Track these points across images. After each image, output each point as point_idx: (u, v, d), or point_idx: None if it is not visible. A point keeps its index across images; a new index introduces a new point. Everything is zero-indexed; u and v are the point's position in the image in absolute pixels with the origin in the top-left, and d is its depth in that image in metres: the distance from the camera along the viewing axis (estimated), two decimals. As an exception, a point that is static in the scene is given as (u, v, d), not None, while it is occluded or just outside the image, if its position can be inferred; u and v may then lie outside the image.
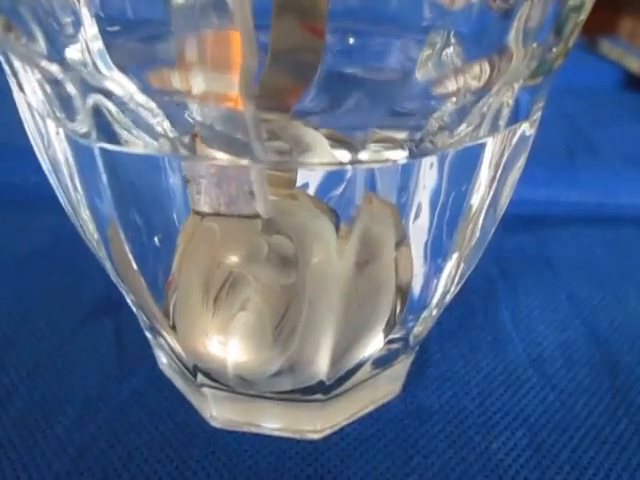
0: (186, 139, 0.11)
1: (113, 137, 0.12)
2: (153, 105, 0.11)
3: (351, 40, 0.17)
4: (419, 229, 0.15)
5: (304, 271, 0.14)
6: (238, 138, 0.11)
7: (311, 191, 0.14)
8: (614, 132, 0.38)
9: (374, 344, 0.16)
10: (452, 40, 0.14)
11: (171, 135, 0.11)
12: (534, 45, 0.11)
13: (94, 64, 0.12)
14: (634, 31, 0.63)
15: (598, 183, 0.32)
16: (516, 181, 0.15)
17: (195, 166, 0.12)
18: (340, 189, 0.14)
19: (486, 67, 0.11)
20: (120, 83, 0.11)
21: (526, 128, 0.13)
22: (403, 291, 0.16)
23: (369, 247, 0.14)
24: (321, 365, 0.15)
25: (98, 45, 0.12)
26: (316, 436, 0.17)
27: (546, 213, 0.30)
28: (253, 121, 0.10)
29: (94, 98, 0.11)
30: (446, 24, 0.14)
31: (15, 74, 0.13)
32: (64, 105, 0.12)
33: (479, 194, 0.15)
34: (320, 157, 0.12)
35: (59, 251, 0.26)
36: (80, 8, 0.11)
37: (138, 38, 0.14)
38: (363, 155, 0.11)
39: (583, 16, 0.12)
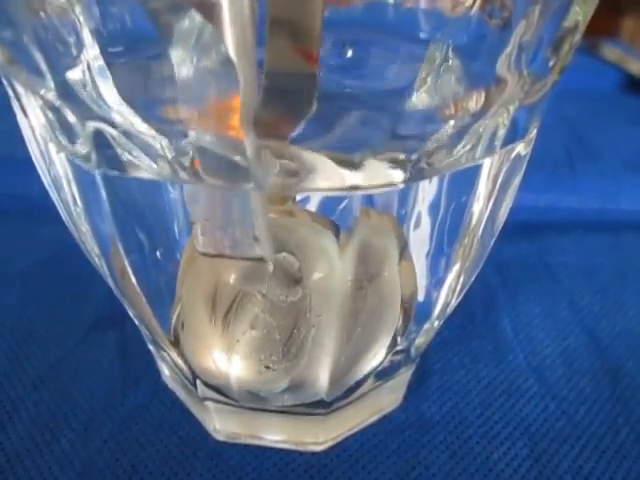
0: (185, 161, 0.11)
1: (113, 159, 0.12)
2: (153, 132, 0.11)
3: (349, 53, 0.17)
4: (420, 240, 0.15)
5: (310, 287, 0.14)
6: (239, 164, 0.11)
7: (313, 203, 0.15)
8: (615, 136, 0.38)
9: (377, 359, 0.16)
10: (451, 55, 0.14)
11: (169, 156, 0.12)
12: (527, 71, 0.11)
13: (94, 83, 0.12)
14: (636, 32, 0.63)
15: (599, 189, 0.31)
16: (513, 197, 0.16)
17: (200, 209, 0.12)
18: (342, 204, 0.14)
19: (482, 95, 0.11)
20: (119, 112, 0.11)
21: (521, 149, 0.14)
22: (407, 304, 0.16)
23: (371, 261, 0.15)
24: (323, 382, 0.15)
25: (99, 63, 0.12)
26: (318, 448, 0.18)
27: (546, 219, 0.30)
28: (255, 151, 0.10)
29: (94, 124, 0.11)
30: (445, 37, 0.14)
31: (18, 98, 0.13)
32: (65, 130, 0.12)
33: (478, 206, 0.15)
34: (327, 179, 0.12)
35: (62, 262, 0.26)
36: (82, 28, 0.12)
37: (140, 57, 0.14)
38: (361, 177, 0.12)
39: (578, 36, 0.12)
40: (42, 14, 0.11)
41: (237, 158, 0.10)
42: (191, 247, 0.15)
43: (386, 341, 0.16)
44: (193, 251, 0.15)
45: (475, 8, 0.13)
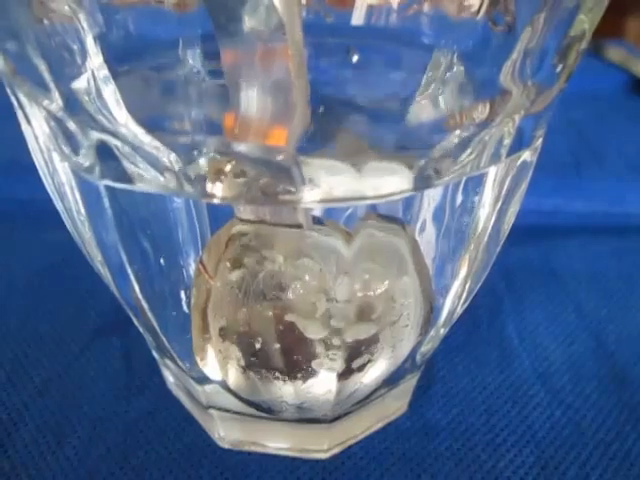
0: (191, 173, 0.11)
1: (117, 171, 0.12)
2: (158, 143, 0.11)
3: (354, 59, 0.17)
4: (425, 247, 0.15)
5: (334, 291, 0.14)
6: (278, 163, 0.11)
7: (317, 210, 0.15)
8: (620, 139, 0.37)
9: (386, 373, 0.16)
10: (455, 61, 0.14)
11: (176, 167, 0.12)
12: (532, 81, 0.11)
13: (98, 92, 0.12)
14: (641, 33, 0.62)
15: (604, 192, 0.31)
16: (519, 204, 0.15)
17: None
18: (347, 211, 0.14)
19: (487, 105, 0.11)
20: (124, 123, 0.11)
21: (527, 156, 0.13)
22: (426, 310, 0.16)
23: (380, 257, 0.14)
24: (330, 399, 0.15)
25: (103, 72, 0.12)
26: (323, 456, 0.18)
27: (552, 223, 0.30)
28: (293, 162, 0.11)
29: (98, 135, 0.11)
30: (450, 43, 0.14)
31: (22, 107, 0.13)
32: (68, 140, 0.12)
33: (484, 212, 0.15)
34: (332, 189, 0.12)
35: (67, 267, 0.26)
36: (86, 35, 0.12)
37: (145, 65, 0.14)
38: (367, 186, 0.12)
39: (585, 45, 0.12)
40: (46, 22, 0.11)
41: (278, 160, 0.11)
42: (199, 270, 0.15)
43: (405, 352, 0.16)
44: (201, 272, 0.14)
45: (481, 13, 0.13)
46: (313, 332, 0.14)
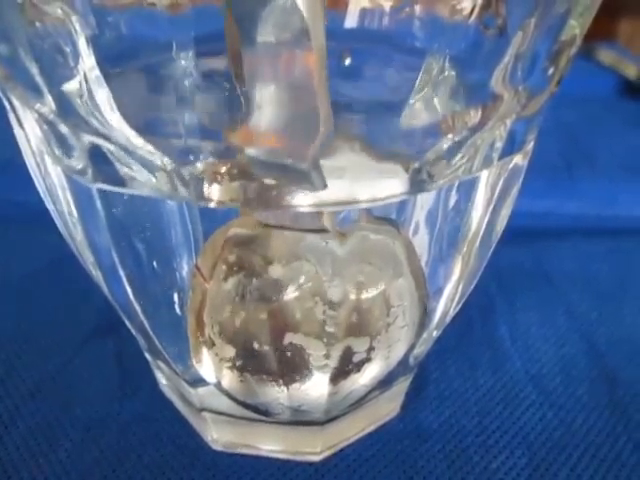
0: (185, 174, 0.11)
1: (110, 174, 0.12)
2: (151, 147, 0.11)
3: (347, 61, 0.17)
4: (418, 249, 0.15)
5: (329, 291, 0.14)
6: (296, 168, 0.11)
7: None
8: (612, 141, 0.38)
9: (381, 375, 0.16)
10: (447, 65, 0.14)
11: (169, 168, 0.12)
12: (523, 86, 0.11)
13: (90, 94, 0.12)
14: (633, 35, 0.63)
15: (596, 194, 0.32)
16: (511, 206, 0.16)
17: None
18: (341, 214, 0.14)
19: (479, 110, 0.11)
20: (116, 126, 0.11)
21: (519, 160, 0.14)
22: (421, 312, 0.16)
23: (375, 259, 0.14)
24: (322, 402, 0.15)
25: (95, 73, 0.12)
26: (316, 458, 0.18)
27: (544, 225, 0.30)
28: (314, 167, 0.11)
29: (90, 138, 0.11)
30: (442, 47, 0.14)
31: (14, 110, 0.13)
32: (60, 143, 0.12)
33: (477, 215, 0.15)
34: (325, 193, 0.12)
35: (61, 269, 0.26)
36: (78, 37, 0.12)
37: (138, 66, 0.14)
38: (360, 190, 0.12)
39: (575, 49, 0.12)
40: (38, 24, 0.11)
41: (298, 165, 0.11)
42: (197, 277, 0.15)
43: (401, 353, 0.16)
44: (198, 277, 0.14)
45: (473, 17, 0.13)
46: (314, 349, 0.14)
